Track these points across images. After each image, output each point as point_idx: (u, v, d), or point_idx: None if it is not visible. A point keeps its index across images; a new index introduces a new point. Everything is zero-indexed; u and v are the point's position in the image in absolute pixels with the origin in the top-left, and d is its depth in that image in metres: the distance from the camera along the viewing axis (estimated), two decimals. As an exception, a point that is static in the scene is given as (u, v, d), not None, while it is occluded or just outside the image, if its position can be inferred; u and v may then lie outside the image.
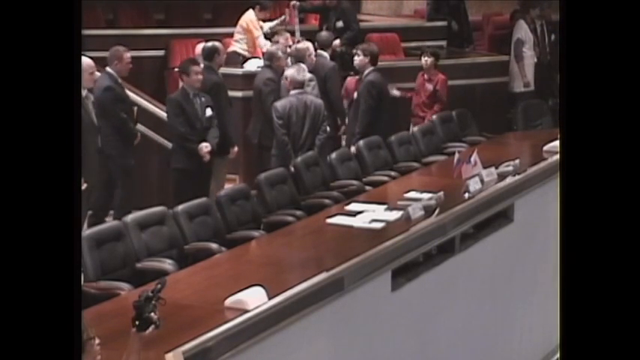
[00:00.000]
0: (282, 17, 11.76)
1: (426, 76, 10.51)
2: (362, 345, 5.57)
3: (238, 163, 9.93)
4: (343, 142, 10.02)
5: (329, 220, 6.46)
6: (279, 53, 9.58)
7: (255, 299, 4.79)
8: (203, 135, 8.61)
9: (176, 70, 9.43)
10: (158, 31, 12.37)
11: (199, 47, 9.75)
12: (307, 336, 5.03)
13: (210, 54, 9.25)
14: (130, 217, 6.34)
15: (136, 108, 9.12)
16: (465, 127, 10.08)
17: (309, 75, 9.29)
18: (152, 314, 3.93)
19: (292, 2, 11.70)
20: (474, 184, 7.02)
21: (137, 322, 3.93)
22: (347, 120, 10.04)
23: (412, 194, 6.96)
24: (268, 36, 11.15)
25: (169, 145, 9.10)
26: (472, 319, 6.67)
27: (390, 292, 5.75)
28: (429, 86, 10.47)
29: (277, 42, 10.26)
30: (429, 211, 6.48)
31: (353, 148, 8.98)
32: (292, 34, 11.08)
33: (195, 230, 6.59)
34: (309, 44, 10.05)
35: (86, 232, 5.94)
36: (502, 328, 7.14)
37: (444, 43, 12.91)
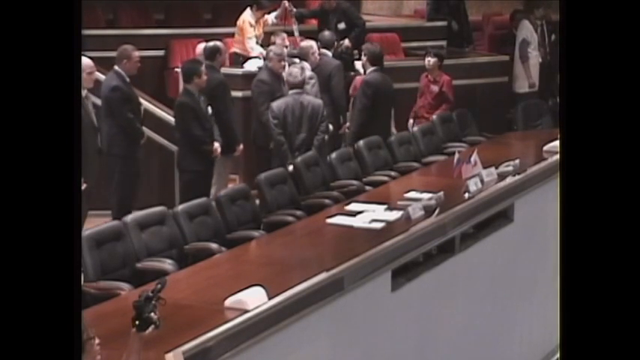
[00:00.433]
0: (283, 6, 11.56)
1: (430, 77, 10.43)
2: (362, 345, 5.56)
3: (238, 163, 9.93)
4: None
5: (329, 220, 6.46)
6: (274, 54, 9.55)
7: (255, 299, 4.79)
8: (212, 135, 8.63)
9: (180, 71, 9.37)
10: (158, 31, 12.33)
11: (200, 47, 9.75)
12: (307, 336, 5.03)
13: (212, 53, 9.24)
14: (129, 217, 6.33)
15: (143, 107, 9.09)
16: (465, 127, 10.08)
17: (309, 73, 9.28)
18: (152, 314, 3.93)
19: (287, 6, 11.55)
20: (473, 184, 7.02)
21: (137, 322, 3.93)
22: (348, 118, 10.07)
23: (412, 194, 6.95)
24: (269, 33, 11.07)
25: (169, 145, 9.07)
26: (472, 318, 6.67)
27: (390, 292, 5.76)
28: (435, 87, 10.39)
29: (274, 42, 10.24)
30: (429, 211, 6.49)
31: (350, 148, 8.97)
32: (290, 34, 11.05)
33: (195, 230, 6.59)
34: (312, 43, 10.06)
35: (86, 232, 5.92)
36: (502, 328, 7.14)
37: (444, 43, 12.87)
